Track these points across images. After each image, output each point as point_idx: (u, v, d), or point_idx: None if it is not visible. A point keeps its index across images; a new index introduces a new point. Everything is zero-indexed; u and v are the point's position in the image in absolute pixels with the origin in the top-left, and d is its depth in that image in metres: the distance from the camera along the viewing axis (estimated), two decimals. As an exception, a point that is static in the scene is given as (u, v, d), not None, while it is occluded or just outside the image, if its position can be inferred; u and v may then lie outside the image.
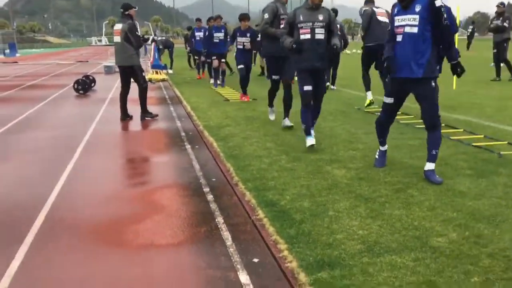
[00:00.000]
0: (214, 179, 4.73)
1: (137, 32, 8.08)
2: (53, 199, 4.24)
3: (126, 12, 8.06)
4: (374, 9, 8.48)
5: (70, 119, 8.65)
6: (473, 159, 5.10)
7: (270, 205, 3.88)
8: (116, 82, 14.66)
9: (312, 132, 5.73)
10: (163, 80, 15.46)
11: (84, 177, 4.99)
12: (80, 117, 8.84)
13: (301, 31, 5.48)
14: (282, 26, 6.50)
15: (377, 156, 4.98)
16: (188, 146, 6.17)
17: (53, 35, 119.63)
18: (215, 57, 12.56)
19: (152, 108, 9.00)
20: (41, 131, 7.53)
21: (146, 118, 8.29)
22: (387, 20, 8.49)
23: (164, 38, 23.65)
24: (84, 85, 12.40)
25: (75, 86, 12.31)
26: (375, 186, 4.27)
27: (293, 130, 6.82)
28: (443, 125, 6.85)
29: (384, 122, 4.85)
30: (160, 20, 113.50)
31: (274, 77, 7.06)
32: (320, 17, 5.49)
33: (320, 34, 5.49)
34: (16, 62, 29.48)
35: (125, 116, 8.31)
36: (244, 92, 10.27)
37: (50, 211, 3.95)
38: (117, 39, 8.04)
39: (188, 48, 18.24)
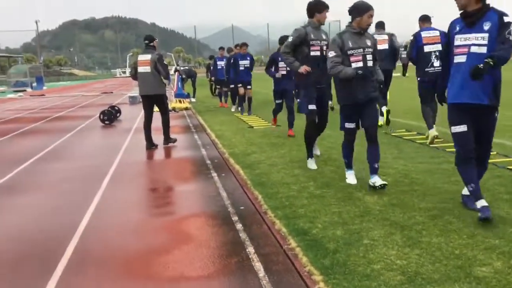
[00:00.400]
0: (242, 208, 4.64)
1: (164, 62, 8.32)
2: (82, 230, 4.20)
3: (151, 44, 8.30)
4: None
5: (96, 150, 8.73)
6: (510, 183, 4.90)
7: (301, 233, 3.76)
8: (140, 112, 14.85)
9: (376, 178, 4.85)
10: (186, 108, 15.62)
11: (112, 208, 4.97)
12: (107, 147, 8.92)
13: (351, 58, 4.84)
14: (313, 53, 5.80)
15: (480, 214, 3.80)
16: (214, 174, 6.11)
17: (78, 68, 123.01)
18: (240, 85, 12.63)
19: (177, 136, 9.08)
20: (69, 161, 7.59)
21: (169, 143, 8.57)
22: (385, 47, 8.78)
23: (187, 68, 24.01)
24: (110, 116, 12.59)
25: (101, 117, 12.50)
26: (410, 212, 4.11)
27: (321, 155, 6.70)
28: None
29: (464, 158, 3.88)
30: (182, 50, 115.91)
31: (311, 107, 5.89)
32: (368, 42, 4.93)
33: (370, 61, 4.90)
34: (43, 95, 30.26)
35: (151, 145, 8.38)
36: (274, 116, 10.12)
37: (79, 243, 3.91)
38: (145, 69, 8.16)
39: (213, 78, 18.26)
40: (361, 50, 4.85)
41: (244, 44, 13.22)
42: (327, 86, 6.13)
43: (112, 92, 29.94)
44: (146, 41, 8.32)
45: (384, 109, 8.91)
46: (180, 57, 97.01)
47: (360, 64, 4.83)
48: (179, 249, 3.68)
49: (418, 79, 7.71)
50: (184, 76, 19.39)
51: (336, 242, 3.54)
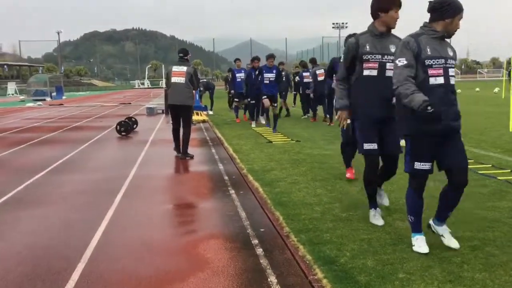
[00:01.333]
0: (262, 230, 4.33)
1: (198, 76, 8.61)
2: (92, 251, 3.93)
3: (185, 57, 8.57)
4: None
5: (111, 162, 8.52)
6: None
7: (328, 262, 3.44)
8: (157, 124, 14.70)
9: (444, 229, 3.76)
10: (203, 121, 15.41)
11: (124, 225, 4.69)
12: (122, 159, 8.71)
13: (430, 71, 3.45)
14: (367, 72, 4.14)
15: None
16: (232, 191, 5.82)
17: (98, 78, 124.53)
18: (265, 97, 11.96)
19: (193, 150, 8.86)
20: (83, 173, 7.38)
21: (186, 158, 8.42)
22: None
23: (205, 80, 23.92)
24: (126, 127, 12.43)
25: (118, 128, 12.35)
26: (447, 242, 3.75)
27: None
28: (508, 170, 6.31)
29: None
30: (200, 63, 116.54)
31: (367, 146, 4.24)
32: (450, 52, 3.56)
33: (453, 78, 3.53)
34: (61, 105, 30.43)
35: (177, 147, 8.55)
36: (348, 164, 6.38)
37: (87, 264, 3.64)
38: (180, 80, 8.34)
39: (232, 92, 17.63)
40: (443, 60, 3.48)
41: (271, 56, 12.45)
42: (394, 118, 3.91)
43: (130, 103, 30.00)
44: (181, 54, 8.63)
45: None
46: (198, 70, 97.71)
47: (441, 80, 3.45)
48: (195, 276, 3.38)
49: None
50: (202, 89, 19.25)
51: (368, 274, 3.20)
